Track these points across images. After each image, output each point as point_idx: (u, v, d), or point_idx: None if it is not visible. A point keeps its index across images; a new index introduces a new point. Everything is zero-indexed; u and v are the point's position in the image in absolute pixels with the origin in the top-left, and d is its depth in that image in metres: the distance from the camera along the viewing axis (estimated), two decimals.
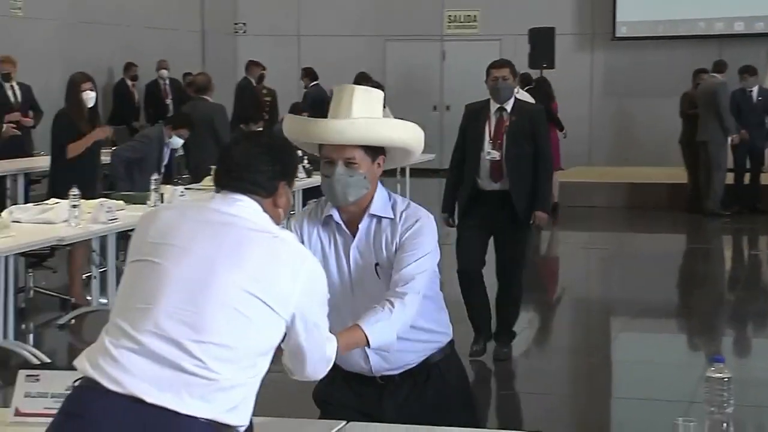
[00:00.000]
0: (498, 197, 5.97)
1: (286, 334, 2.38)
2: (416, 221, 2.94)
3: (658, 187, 13.36)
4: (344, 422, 2.80)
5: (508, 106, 6.04)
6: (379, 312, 2.80)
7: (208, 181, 7.63)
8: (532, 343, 7.15)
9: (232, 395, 2.28)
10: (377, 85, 12.59)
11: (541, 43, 15.55)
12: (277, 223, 2.47)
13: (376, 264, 2.94)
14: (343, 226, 2.98)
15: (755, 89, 12.61)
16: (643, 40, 16.10)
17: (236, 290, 2.29)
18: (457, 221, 6.16)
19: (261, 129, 11.64)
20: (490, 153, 5.95)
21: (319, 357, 2.46)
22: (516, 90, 6.65)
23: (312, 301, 2.40)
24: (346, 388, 3.06)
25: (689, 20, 15.92)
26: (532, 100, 11.25)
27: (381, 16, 17.41)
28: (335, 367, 2.58)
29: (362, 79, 13.35)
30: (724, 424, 2.42)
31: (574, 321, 8.13)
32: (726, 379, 2.43)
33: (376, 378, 3.03)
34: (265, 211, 2.45)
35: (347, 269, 2.96)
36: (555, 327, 7.88)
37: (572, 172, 14.89)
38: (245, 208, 2.42)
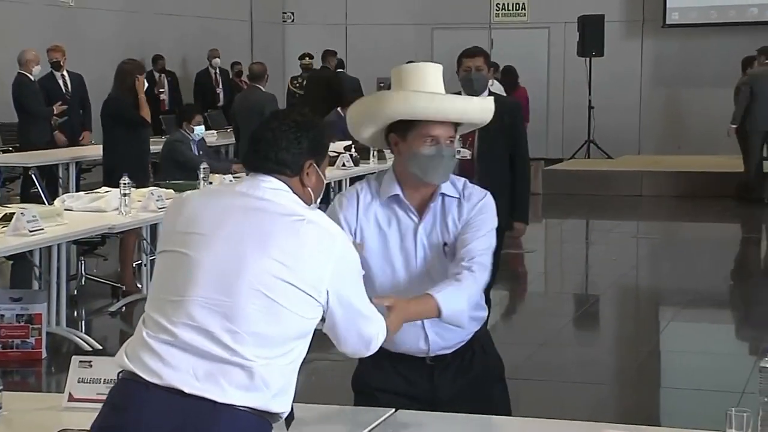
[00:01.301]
0: None
1: (324, 316, 2.36)
2: (481, 199, 2.97)
3: (708, 176, 13.20)
4: (392, 410, 2.79)
5: None
6: (450, 283, 2.79)
7: None
8: (583, 331, 7.12)
9: (271, 382, 2.28)
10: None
11: (590, 31, 15.46)
12: (308, 204, 2.42)
13: (445, 244, 2.92)
14: (411, 206, 2.94)
15: None
16: (694, 27, 15.91)
17: (267, 277, 2.27)
18: None
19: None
20: (460, 151, 5.28)
21: (358, 337, 2.42)
22: (490, 82, 6.08)
23: (345, 281, 2.35)
24: (393, 373, 3.01)
25: (741, 6, 15.72)
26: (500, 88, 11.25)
27: (428, 4, 17.37)
28: (380, 350, 2.53)
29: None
30: None
31: (624, 310, 8.08)
32: None
33: (425, 360, 3.00)
34: (294, 191, 2.40)
35: (413, 250, 2.92)
36: (604, 316, 7.83)
37: (621, 160, 14.80)
38: (272, 190, 2.37)
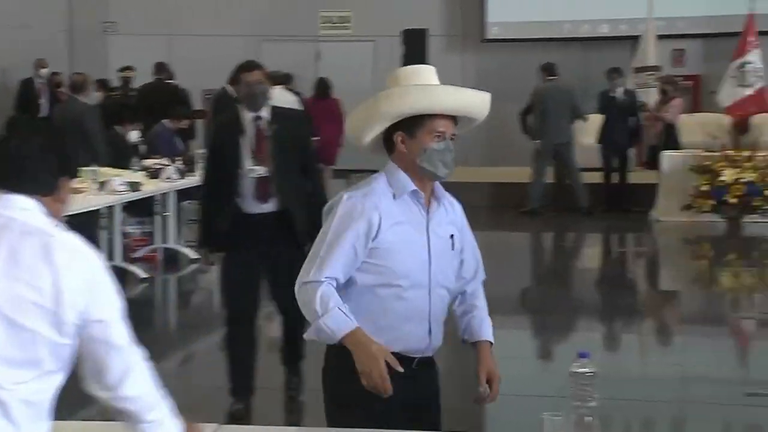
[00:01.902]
0: (270, 220, 5.16)
1: (82, 340, 2.25)
2: (458, 204, 3.14)
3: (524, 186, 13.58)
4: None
5: (265, 113, 5.21)
6: (483, 313, 3.18)
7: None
8: None
9: (33, 408, 2.20)
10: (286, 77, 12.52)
11: (414, 45, 15.75)
12: (57, 218, 2.32)
13: (452, 235, 3.04)
14: (423, 202, 3.00)
15: (620, 90, 13.00)
16: (513, 42, 16.37)
17: (12, 299, 2.18)
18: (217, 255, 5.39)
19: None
20: (253, 169, 5.12)
21: (109, 369, 2.27)
22: (273, 95, 5.72)
23: (98, 303, 2.25)
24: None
25: (556, 22, 16.27)
26: (294, 100, 11.40)
27: (256, 16, 17.31)
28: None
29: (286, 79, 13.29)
30: (589, 418, 2.50)
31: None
32: (590, 374, 2.51)
33: (413, 363, 3.02)
34: (46, 208, 2.30)
35: (427, 242, 2.99)
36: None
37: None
38: (20, 208, 2.26)
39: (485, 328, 3.08)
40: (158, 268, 9.59)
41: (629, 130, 12.95)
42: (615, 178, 12.92)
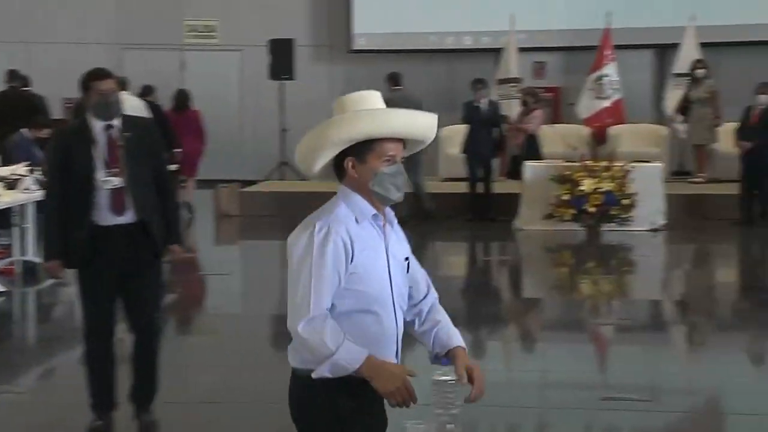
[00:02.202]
0: (126, 232, 5.01)
1: None
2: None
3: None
4: None
5: (117, 122, 5.06)
6: (446, 321, 3.12)
7: None
8: (282, 352, 7.20)
9: None
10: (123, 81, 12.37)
11: (281, 55, 15.73)
12: None
13: (406, 258, 3.06)
14: (381, 223, 3.01)
15: (484, 101, 13.24)
16: (380, 53, 16.49)
17: None
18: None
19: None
20: (107, 180, 4.97)
21: None
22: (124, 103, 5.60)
23: None
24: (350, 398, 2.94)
25: (422, 34, 16.47)
26: (141, 105, 11.39)
27: (118, 24, 17.01)
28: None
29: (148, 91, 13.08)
30: (451, 425, 2.53)
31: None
32: (452, 382, 2.55)
33: None
34: None
35: (387, 265, 2.98)
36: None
37: (315, 182, 15.07)
38: None
39: (454, 336, 3.06)
40: (17, 282, 9.31)
41: (493, 141, 13.19)
42: (480, 187, 13.14)
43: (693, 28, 14.64)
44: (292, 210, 13.41)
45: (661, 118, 15.15)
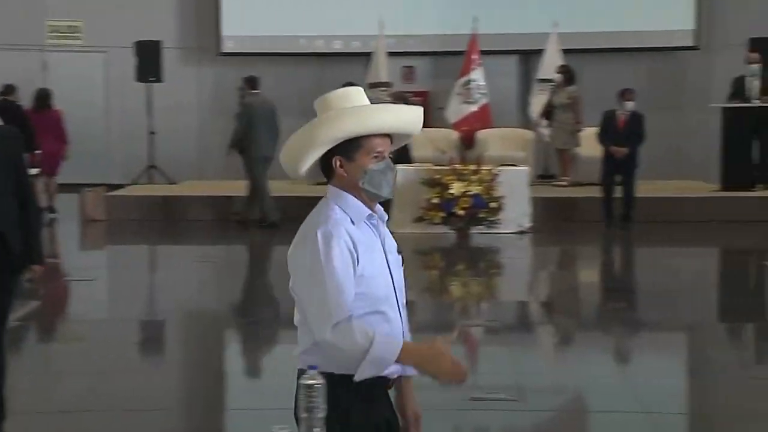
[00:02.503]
0: None
1: None
2: None
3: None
4: None
5: None
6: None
7: None
8: (148, 357, 7.05)
9: None
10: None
11: (148, 57, 15.47)
12: None
13: (399, 252, 3.03)
14: (375, 222, 2.97)
15: None
16: (249, 56, 16.37)
17: None
18: None
19: None
20: None
21: None
22: None
23: None
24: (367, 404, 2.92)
25: (292, 37, 16.42)
26: None
27: None
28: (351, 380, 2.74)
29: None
30: (317, 429, 2.52)
31: (190, 334, 8.11)
32: (318, 386, 2.53)
33: (388, 383, 2.99)
34: None
35: (386, 263, 2.96)
36: (170, 341, 7.83)
37: (184, 186, 14.90)
38: None
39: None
40: None
41: None
42: None
43: (556, 35, 15.00)
44: (160, 214, 13.34)
45: (526, 123, 15.47)
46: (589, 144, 14.28)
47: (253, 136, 12.62)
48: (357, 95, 2.96)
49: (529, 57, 15.96)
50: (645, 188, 12.92)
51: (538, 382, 6.52)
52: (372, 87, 14.97)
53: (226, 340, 7.88)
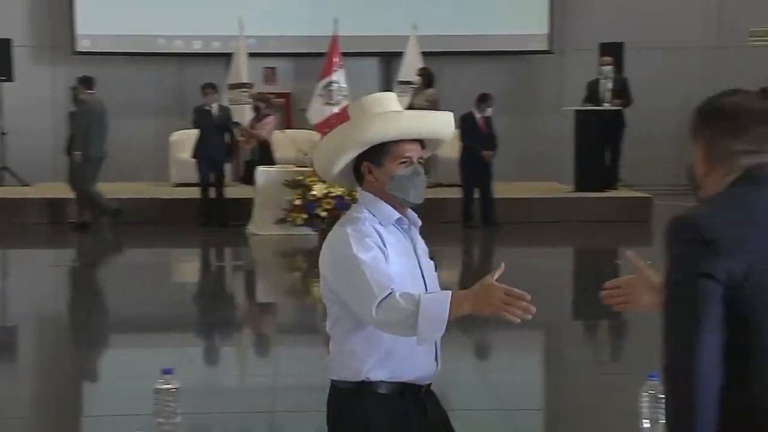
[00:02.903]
0: None
1: None
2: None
3: (138, 201, 13.30)
4: None
5: None
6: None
7: None
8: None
9: None
10: None
11: None
12: None
13: (432, 258, 3.04)
14: (407, 226, 2.99)
15: (215, 106, 13.14)
16: (106, 55, 16.00)
17: None
18: None
19: None
20: None
21: None
22: None
23: None
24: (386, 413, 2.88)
25: (150, 36, 16.13)
26: None
27: None
28: (376, 388, 2.79)
29: None
30: None
31: (44, 339, 7.89)
32: (173, 390, 2.51)
33: (420, 392, 2.95)
34: None
35: (419, 268, 2.96)
36: (23, 347, 7.61)
37: (39, 187, 14.47)
38: None
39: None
40: None
41: (225, 146, 13.13)
42: (212, 192, 13.03)
43: (415, 38, 15.16)
44: (13, 216, 12.90)
45: None
46: (448, 146, 14.48)
47: (90, 137, 12.41)
48: (389, 100, 3.00)
49: (390, 59, 16.08)
50: (501, 190, 13.18)
51: None
52: (232, 88, 14.85)
53: (79, 346, 7.68)
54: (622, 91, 13.79)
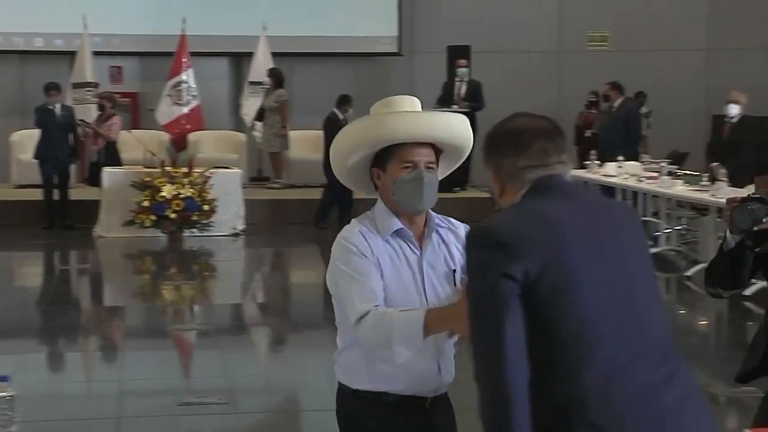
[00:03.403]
0: None
1: None
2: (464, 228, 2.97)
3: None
4: None
5: None
6: None
7: None
8: None
9: None
10: None
11: None
12: None
13: (454, 271, 2.88)
14: (413, 239, 2.87)
15: (58, 106, 12.76)
16: None
17: None
18: None
19: None
20: None
21: None
22: None
23: None
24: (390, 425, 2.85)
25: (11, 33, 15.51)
26: None
27: None
28: (379, 400, 2.78)
29: None
30: None
31: None
32: (9, 398, 2.42)
33: (425, 404, 2.88)
34: None
35: (422, 283, 2.84)
36: None
37: None
38: None
39: None
40: None
41: (69, 146, 12.77)
42: (56, 194, 12.67)
43: (265, 38, 15.08)
44: None
45: (239, 125, 15.46)
46: (300, 147, 14.51)
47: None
48: (398, 102, 2.95)
49: (240, 59, 15.95)
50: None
51: (250, 384, 6.54)
52: (77, 87, 14.46)
53: None
54: (474, 94, 14.03)
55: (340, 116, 12.93)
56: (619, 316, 2.26)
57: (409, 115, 2.89)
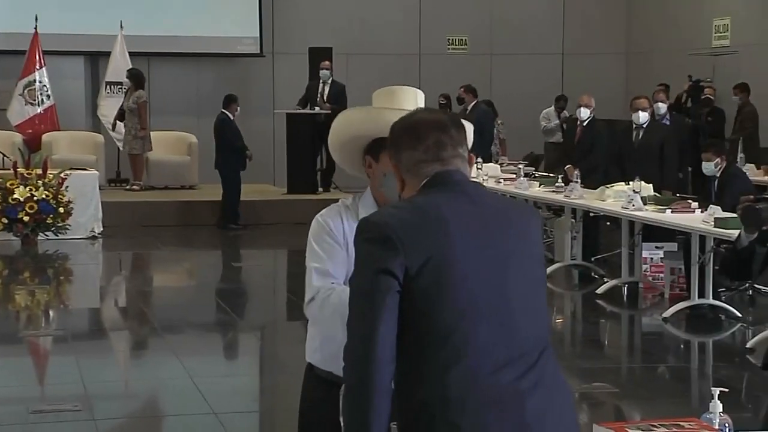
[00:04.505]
0: None
1: None
2: None
3: None
4: None
5: None
6: None
7: None
8: None
9: None
10: None
11: None
12: None
13: None
14: None
15: None
16: None
17: None
18: None
19: None
20: None
21: None
22: None
23: None
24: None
25: None
26: None
27: None
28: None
29: None
30: None
31: None
32: None
33: None
34: None
35: None
36: None
37: None
38: None
39: None
40: None
41: None
42: None
43: (122, 37, 14.77)
44: None
45: (97, 126, 15.11)
46: (160, 149, 14.28)
47: None
48: (401, 96, 2.85)
49: (97, 58, 15.59)
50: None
51: (107, 389, 6.40)
52: None
53: None
54: (337, 96, 14.04)
55: (231, 116, 12.94)
56: (491, 319, 2.28)
57: (395, 113, 2.87)
